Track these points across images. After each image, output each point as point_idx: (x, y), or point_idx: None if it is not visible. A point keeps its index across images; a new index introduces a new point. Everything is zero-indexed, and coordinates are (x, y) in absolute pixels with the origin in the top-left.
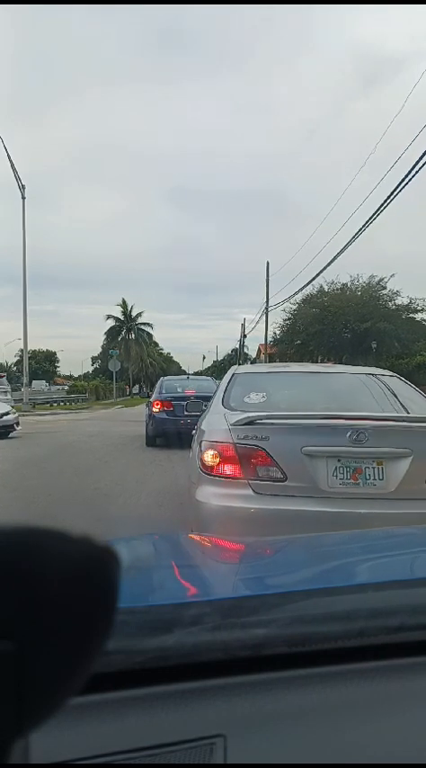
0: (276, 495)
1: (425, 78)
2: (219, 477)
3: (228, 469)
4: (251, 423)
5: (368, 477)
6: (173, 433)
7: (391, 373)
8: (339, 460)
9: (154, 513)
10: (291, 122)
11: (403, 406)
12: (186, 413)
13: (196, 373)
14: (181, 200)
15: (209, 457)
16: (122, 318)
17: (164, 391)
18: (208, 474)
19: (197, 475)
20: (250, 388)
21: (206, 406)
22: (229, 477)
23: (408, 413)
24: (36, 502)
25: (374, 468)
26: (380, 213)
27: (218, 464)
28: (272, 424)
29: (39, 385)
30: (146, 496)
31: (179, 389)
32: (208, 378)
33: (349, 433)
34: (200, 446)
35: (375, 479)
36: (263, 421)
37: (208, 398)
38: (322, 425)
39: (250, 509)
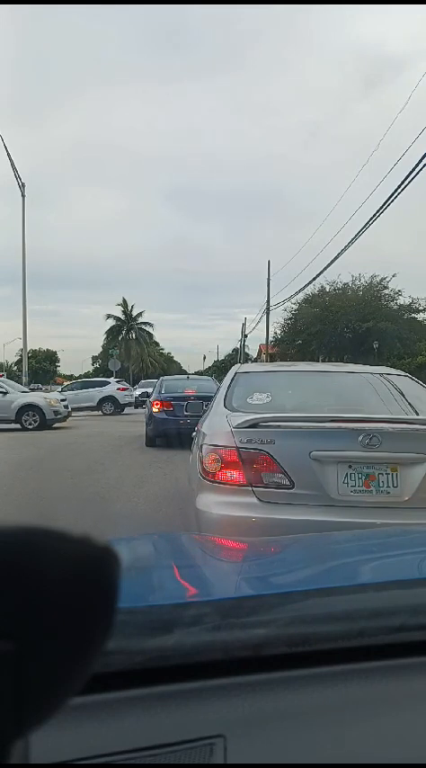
0: (282, 503)
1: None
2: (221, 483)
3: (231, 475)
4: (255, 425)
5: (381, 485)
6: (173, 433)
7: (402, 373)
8: (350, 466)
9: (153, 520)
10: (292, 122)
11: (415, 407)
12: (186, 413)
13: (197, 373)
14: (181, 200)
15: (210, 462)
16: (123, 318)
17: (163, 391)
18: (210, 480)
19: (197, 481)
20: (253, 389)
21: (206, 406)
22: (232, 484)
23: (419, 414)
24: (28, 506)
25: (388, 474)
26: (381, 213)
27: (220, 470)
28: (278, 426)
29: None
30: (145, 501)
31: (179, 389)
32: (209, 378)
33: (360, 437)
34: (201, 450)
35: (389, 486)
36: (268, 423)
37: (208, 399)
38: (331, 428)
39: (253, 518)
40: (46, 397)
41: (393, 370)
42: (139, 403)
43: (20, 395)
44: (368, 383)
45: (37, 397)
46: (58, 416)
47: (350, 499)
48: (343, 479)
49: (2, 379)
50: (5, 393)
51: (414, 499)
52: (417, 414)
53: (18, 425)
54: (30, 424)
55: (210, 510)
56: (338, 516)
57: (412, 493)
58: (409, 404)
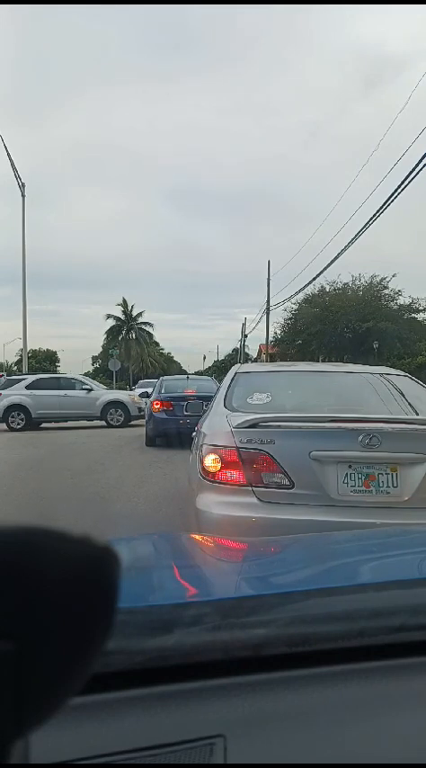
0: (282, 503)
1: (425, 80)
2: (221, 483)
3: (231, 475)
4: (255, 425)
5: (381, 485)
6: (172, 433)
7: (402, 373)
8: (350, 466)
9: (153, 520)
10: (292, 122)
11: (415, 407)
12: (186, 413)
13: (197, 373)
14: (181, 200)
15: (210, 462)
16: (123, 318)
17: (163, 391)
18: (209, 480)
19: (197, 481)
20: (253, 389)
21: (206, 406)
22: (232, 484)
23: (419, 414)
24: (28, 506)
25: (388, 474)
26: (381, 213)
27: (220, 470)
28: (278, 426)
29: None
30: (145, 501)
31: (179, 389)
32: (208, 378)
33: (360, 437)
34: (201, 450)
35: (389, 486)
36: (268, 423)
37: (207, 398)
38: (331, 428)
39: (253, 518)
40: (129, 394)
41: (392, 370)
42: None
43: (104, 392)
44: (368, 383)
45: (121, 394)
46: (141, 413)
47: (350, 499)
48: (343, 479)
49: (84, 376)
50: (90, 390)
51: (414, 499)
52: (417, 414)
53: (103, 422)
54: (115, 421)
55: (210, 510)
56: (338, 516)
57: (411, 493)
58: (409, 404)
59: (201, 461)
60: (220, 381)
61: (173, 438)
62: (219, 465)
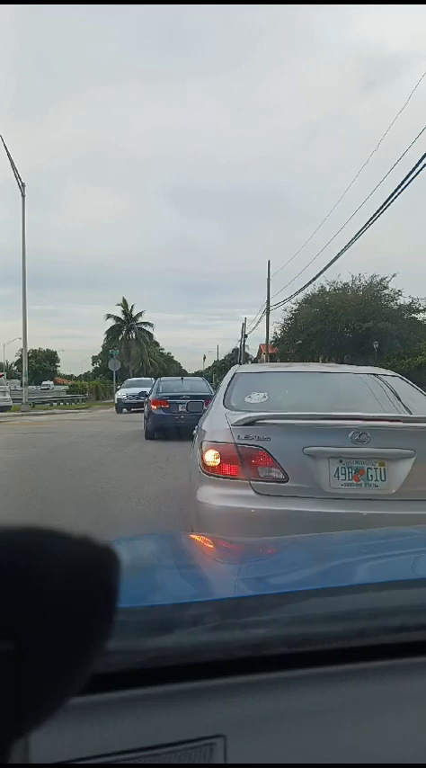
0: (277, 495)
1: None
2: (220, 477)
3: (229, 470)
4: (252, 423)
5: (370, 478)
6: (169, 427)
7: (393, 373)
8: (341, 461)
9: (153, 520)
10: (292, 122)
11: (405, 406)
12: (181, 410)
13: (196, 374)
14: (181, 200)
15: (210, 457)
16: (123, 318)
17: (161, 390)
18: (209, 474)
19: (198, 475)
20: (251, 388)
21: (205, 406)
22: (230, 478)
23: (410, 413)
24: (28, 506)
25: (376, 468)
26: (381, 213)
27: (219, 464)
28: (274, 424)
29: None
30: (145, 501)
31: (174, 389)
32: (201, 378)
33: (351, 434)
34: (201, 446)
35: (377, 480)
36: (265, 421)
37: (200, 397)
38: (323, 425)
39: (251, 510)
40: None
41: (384, 371)
42: (124, 405)
43: None
44: (360, 383)
45: None
46: None
47: (340, 492)
48: (335, 473)
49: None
50: None
51: (401, 492)
52: (408, 412)
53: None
54: None
55: (210, 502)
56: (330, 507)
57: (398, 486)
58: (399, 402)
59: (202, 457)
60: (218, 381)
61: (170, 432)
62: (219, 460)
